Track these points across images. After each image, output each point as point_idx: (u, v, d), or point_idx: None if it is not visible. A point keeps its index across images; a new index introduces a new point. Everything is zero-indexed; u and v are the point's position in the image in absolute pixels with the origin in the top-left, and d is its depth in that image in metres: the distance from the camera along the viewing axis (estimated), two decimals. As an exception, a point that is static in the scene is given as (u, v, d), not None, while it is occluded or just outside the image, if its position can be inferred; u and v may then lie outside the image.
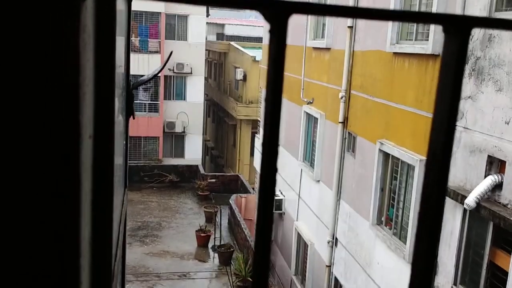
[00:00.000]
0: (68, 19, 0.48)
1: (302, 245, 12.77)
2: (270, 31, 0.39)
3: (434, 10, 7.16)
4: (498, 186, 5.89)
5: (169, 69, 24.94)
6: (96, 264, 0.88)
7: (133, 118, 1.90)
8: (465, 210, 6.33)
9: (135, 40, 23.73)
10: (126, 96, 1.78)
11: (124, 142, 1.86)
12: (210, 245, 16.88)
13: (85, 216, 0.71)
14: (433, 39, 7.16)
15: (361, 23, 9.68)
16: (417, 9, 7.92)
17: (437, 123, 0.45)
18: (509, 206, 5.73)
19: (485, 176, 6.04)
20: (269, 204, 0.41)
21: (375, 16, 0.43)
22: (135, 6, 26.93)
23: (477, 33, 6.31)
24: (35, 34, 0.48)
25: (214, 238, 16.77)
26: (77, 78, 0.51)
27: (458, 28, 0.44)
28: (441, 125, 0.45)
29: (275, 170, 0.41)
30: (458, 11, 6.63)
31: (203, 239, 16.85)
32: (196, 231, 17.13)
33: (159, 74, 24.01)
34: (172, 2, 0.38)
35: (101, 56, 0.77)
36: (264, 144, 0.39)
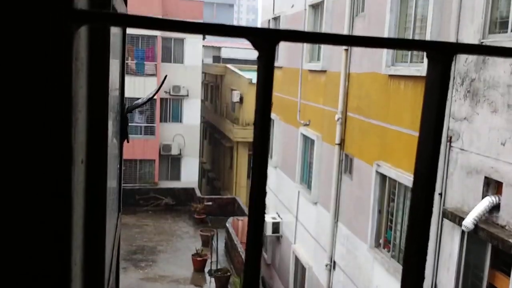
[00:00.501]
0: (60, 47, 0.49)
1: (300, 268, 12.63)
2: (258, 58, 0.41)
3: (428, 32, 7.26)
4: (495, 208, 5.86)
5: (165, 91, 25.05)
6: None
7: (127, 141, 1.88)
8: (463, 232, 6.29)
9: (131, 63, 23.89)
10: (121, 120, 1.78)
11: (118, 166, 1.84)
12: (206, 269, 16.67)
13: (77, 241, 0.70)
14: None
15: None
16: (411, 32, 8.02)
17: (423, 146, 0.46)
18: (507, 227, 5.69)
19: (483, 198, 6.02)
20: (259, 227, 0.43)
21: (361, 44, 0.45)
22: (131, 30, 27.39)
23: (470, 55, 6.37)
24: (27, 62, 0.49)
25: (211, 262, 16.57)
26: (69, 105, 0.52)
27: (440, 55, 0.46)
28: (426, 147, 0.46)
29: (264, 192, 0.43)
30: (452, 33, 6.71)
31: (199, 264, 16.64)
32: (192, 255, 16.93)
33: (155, 97, 24.10)
34: (164, 30, 0.40)
35: (95, 82, 0.79)
36: (253, 170, 0.40)
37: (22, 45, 0.48)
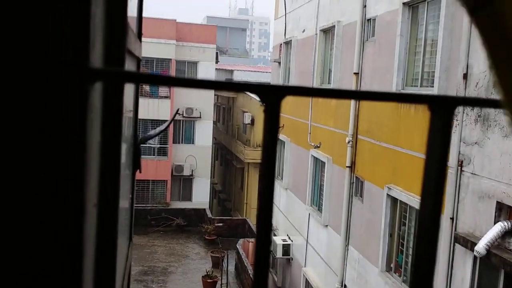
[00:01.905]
0: (76, 104, 0.51)
1: (310, 292, 12.49)
2: (265, 111, 0.44)
3: (438, 57, 7.31)
4: (508, 233, 5.80)
5: (178, 113, 25.29)
6: None
7: (140, 172, 1.94)
8: (475, 257, 6.22)
9: (145, 86, 24.24)
10: (134, 151, 1.82)
11: (130, 196, 1.88)
12: (216, 291, 16.55)
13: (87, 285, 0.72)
14: (439, 85, 7.26)
15: (367, 69, 9.86)
16: (421, 57, 8.08)
17: (425, 198, 0.48)
18: (520, 253, 5.63)
19: (495, 223, 5.96)
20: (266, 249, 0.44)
21: (367, 97, 0.48)
22: (145, 53, 27.12)
23: (481, 80, 6.40)
24: (46, 118, 0.51)
25: (221, 284, 16.45)
26: (83, 157, 0.53)
27: (442, 108, 0.47)
28: (428, 199, 0.48)
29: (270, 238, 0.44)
30: (462, 58, 6.75)
31: (209, 285, 16.53)
32: (202, 276, 16.83)
33: (168, 118, 24.33)
34: (175, 87, 0.44)
35: (108, 130, 0.81)
36: (258, 220, 0.43)
37: (40, 102, 0.50)
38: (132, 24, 1.65)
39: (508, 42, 0.38)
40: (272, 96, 0.44)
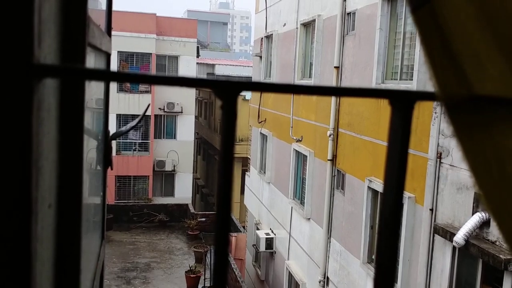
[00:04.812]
0: (18, 102, 0.48)
1: (294, 285, 12.57)
2: (221, 107, 0.43)
3: (417, 50, 7.38)
4: (486, 223, 5.92)
5: (159, 108, 25.11)
6: None
7: (111, 169, 1.92)
8: (454, 247, 6.33)
9: (126, 80, 23.96)
10: (104, 148, 1.80)
11: (102, 193, 1.86)
12: (200, 286, 16.54)
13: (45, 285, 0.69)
14: (417, 79, 7.34)
15: (348, 63, 9.91)
16: (400, 50, 8.15)
17: (387, 190, 0.48)
18: (497, 243, 5.74)
19: (473, 213, 6.07)
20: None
21: (325, 93, 0.47)
22: (125, 47, 26.65)
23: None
24: None
25: (204, 279, 16.45)
26: (28, 155, 0.50)
27: (402, 102, 0.47)
28: (390, 191, 0.48)
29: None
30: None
31: (192, 281, 16.51)
32: (185, 272, 16.80)
33: (149, 113, 24.15)
34: (125, 82, 0.43)
35: (67, 128, 0.78)
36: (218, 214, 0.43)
37: None
38: (100, 19, 1.61)
39: (444, 39, 0.39)
40: (227, 91, 0.43)
